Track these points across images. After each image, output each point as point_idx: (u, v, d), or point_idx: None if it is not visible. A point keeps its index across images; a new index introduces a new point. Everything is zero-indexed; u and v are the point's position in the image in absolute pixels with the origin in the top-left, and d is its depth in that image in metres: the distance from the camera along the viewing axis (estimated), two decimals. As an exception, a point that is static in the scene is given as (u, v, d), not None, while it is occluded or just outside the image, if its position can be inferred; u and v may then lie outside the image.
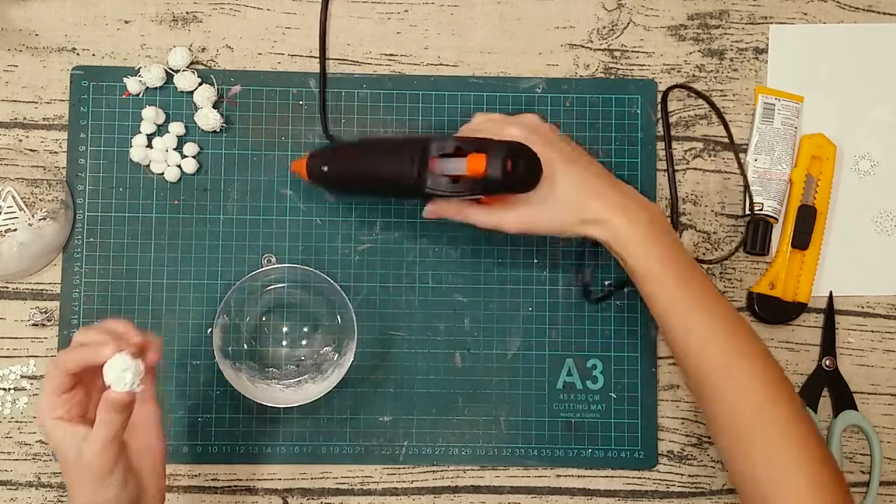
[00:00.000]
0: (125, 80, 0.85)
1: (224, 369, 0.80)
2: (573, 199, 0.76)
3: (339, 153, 0.81)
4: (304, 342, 0.84)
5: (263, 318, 0.84)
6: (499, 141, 0.74)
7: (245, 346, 0.84)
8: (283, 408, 0.84)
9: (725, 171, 0.88)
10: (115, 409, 0.66)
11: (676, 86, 0.88)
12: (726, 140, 0.89)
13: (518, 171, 0.74)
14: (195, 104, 0.86)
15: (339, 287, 0.81)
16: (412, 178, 0.75)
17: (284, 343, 0.84)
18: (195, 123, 0.85)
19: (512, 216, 0.77)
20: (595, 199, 0.76)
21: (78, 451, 0.67)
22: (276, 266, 0.84)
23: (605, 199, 0.76)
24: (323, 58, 0.87)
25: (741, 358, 0.73)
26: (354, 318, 0.80)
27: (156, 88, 0.86)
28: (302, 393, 0.81)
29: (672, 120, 0.89)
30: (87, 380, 0.69)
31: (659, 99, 0.88)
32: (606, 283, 0.87)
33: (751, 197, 0.86)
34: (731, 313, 0.75)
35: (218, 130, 0.85)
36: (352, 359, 0.80)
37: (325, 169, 0.80)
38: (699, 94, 0.88)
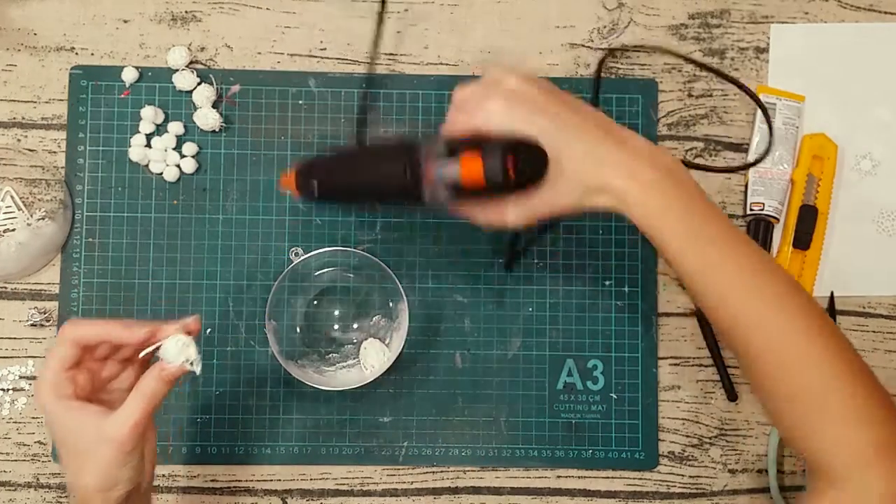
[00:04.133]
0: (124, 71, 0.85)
1: (290, 370, 0.80)
2: (572, 173, 0.66)
3: (326, 166, 0.74)
4: (355, 322, 0.84)
5: (315, 303, 0.84)
6: (498, 140, 0.66)
7: (301, 343, 0.83)
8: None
9: (725, 172, 0.88)
10: (166, 382, 0.66)
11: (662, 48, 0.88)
12: (727, 140, 0.89)
13: (520, 169, 0.66)
14: (194, 104, 0.85)
15: (368, 254, 0.81)
16: (408, 190, 0.68)
17: (336, 327, 0.84)
18: (194, 123, 0.85)
19: (511, 212, 0.69)
20: (596, 165, 0.66)
21: (97, 429, 0.65)
22: (305, 256, 0.82)
23: (607, 162, 0.66)
24: (373, 63, 0.87)
25: (787, 312, 0.66)
26: (396, 277, 0.80)
27: (154, 87, 0.85)
28: (370, 368, 0.82)
29: (672, 120, 0.88)
30: (88, 359, 0.68)
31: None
32: (607, 283, 0.86)
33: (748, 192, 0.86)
34: (769, 263, 0.68)
35: (217, 130, 0.85)
36: (407, 320, 0.80)
37: (315, 186, 0.73)
38: (688, 60, 0.88)
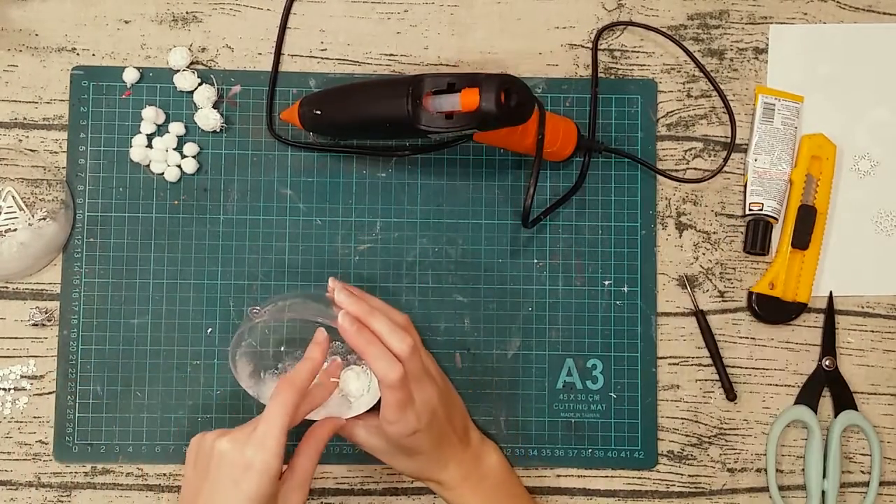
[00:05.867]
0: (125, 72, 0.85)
1: (260, 395, 0.79)
2: (432, 453, 0.76)
3: (330, 96, 0.81)
4: (333, 355, 0.81)
5: (282, 348, 0.83)
6: (490, 74, 0.74)
7: (274, 370, 0.82)
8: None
9: (725, 171, 0.88)
10: (326, 439, 0.75)
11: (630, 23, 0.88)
12: (726, 140, 0.89)
13: (511, 104, 0.74)
14: (195, 104, 0.86)
15: (326, 307, 0.77)
16: (406, 116, 0.75)
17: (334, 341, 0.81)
18: (195, 123, 0.86)
19: (361, 437, 0.77)
20: (447, 454, 0.77)
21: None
22: (265, 309, 0.79)
23: (437, 455, 0.77)
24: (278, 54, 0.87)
25: None
26: None
27: (156, 87, 0.86)
28: (354, 400, 0.79)
29: (672, 120, 0.89)
30: None
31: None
32: (606, 283, 0.87)
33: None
34: None
35: (218, 130, 0.85)
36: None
37: (318, 113, 0.80)
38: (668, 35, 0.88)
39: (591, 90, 0.88)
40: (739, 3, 0.90)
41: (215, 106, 0.86)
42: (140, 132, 0.85)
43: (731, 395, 0.86)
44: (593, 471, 0.86)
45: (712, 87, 0.89)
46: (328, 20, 0.88)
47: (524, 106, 0.76)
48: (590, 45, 0.89)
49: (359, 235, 0.86)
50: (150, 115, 0.85)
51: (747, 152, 0.88)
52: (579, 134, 0.85)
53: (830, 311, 0.88)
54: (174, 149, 0.85)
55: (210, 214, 0.86)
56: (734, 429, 0.87)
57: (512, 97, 0.74)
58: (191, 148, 0.85)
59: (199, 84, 0.86)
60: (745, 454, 0.87)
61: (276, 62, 0.87)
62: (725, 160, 0.85)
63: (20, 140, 0.86)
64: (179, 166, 0.85)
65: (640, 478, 0.86)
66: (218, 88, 0.86)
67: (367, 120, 0.79)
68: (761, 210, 0.87)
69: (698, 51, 0.89)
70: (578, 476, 0.86)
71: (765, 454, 0.87)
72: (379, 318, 0.73)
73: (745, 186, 0.88)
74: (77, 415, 0.83)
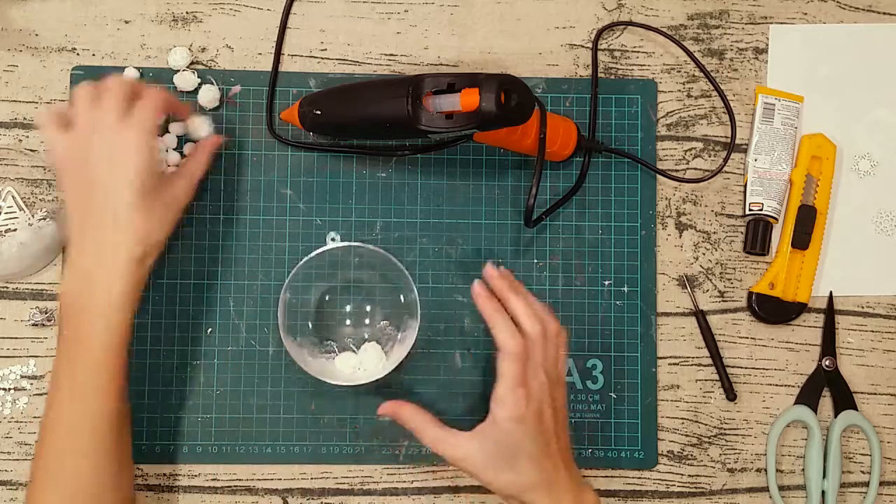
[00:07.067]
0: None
1: (287, 344, 0.80)
2: (534, 463, 0.73)
3: (330, 96, 0.81)
4: (366, 320, 0.84)
5: (327, 297, 0.85)
6: (490, 74, 0.74)
7: (309, 323, 0.84)
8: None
9: (725, 171, 0.88)
10: (213, 151, 0.82)
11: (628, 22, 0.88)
12: (726, 140, 0.89)
13: (511, 105, 0.74)
14: (200, 105, 0.86)
15: (402, 266, 0.81)
16: (406, 116, 0.75)
17: (348, 322, 0.84)
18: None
19: (452, 445, 0.74)
20: (549, 473, 0.73)
21: (159, 179, 0.76)
22: (338, 245, 0.84)
23: (539, 467, 0.73)
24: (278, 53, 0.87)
25: None
26: (417, 298, 0.80)
27: (156, 87, 0.86)
28: (364, 371, 0.82)
29: (672, 120, 0.89)
30: None
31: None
32: (606, 283, 0.87)
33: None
34: None
35: (217, 106, 0.86)
36: (413, 339, 0.80)
37: (318, 113, 0.80)
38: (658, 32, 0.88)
39: (591, 90, 0.88)
40: (739, 3, 0.90)
41: (216, 107, 0.86)
42: (140, 132, 0.85)
43: (731, 395, 0.86)
44: (593, 471, 0.86)
45: (712, 87, 0.89)
46: (328, 20, 0.88)
47: (524, 106, 0.76)
48: (590, 45, 0.89)
49: (359, 235, 0.86)
50: (150, 115, 0.85)
51: (747, 152, 0.88)
52: (579, 134, 0.85)
53: (830, 311, 0.88)
54: (174, 149, 0.85)
55: (210, 214, 0.86)
56: (734, 429, 0.87)
57: (512, 97, 0.74)
58: (191, 148, 0.85)
59: (200, 84, 0.86)
60: (745, 454, 0.87)
61: (276, 62, 0.87)
62: (725, 160, 0.85)
63: (20, 140, 0.86)
64: (179, 166, 0.85)
65: (640, 478, 0.86)
66: (218, 88, 0.86)
67: (367, 120, 0.79)
68: (761, 210, 0.87)
69: (698, 51, 0.89)
70: (578, 476, 0.86)
71: (765, 454, 0.87)
72: (518, 300, 0.76)
73: (745, 186, 0.88)
74: (77, 415, 0.83)
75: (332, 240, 0.85)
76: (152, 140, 0.75)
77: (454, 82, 0.75)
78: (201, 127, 0.83)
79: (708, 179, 0.86)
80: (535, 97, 0.77)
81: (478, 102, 0.73)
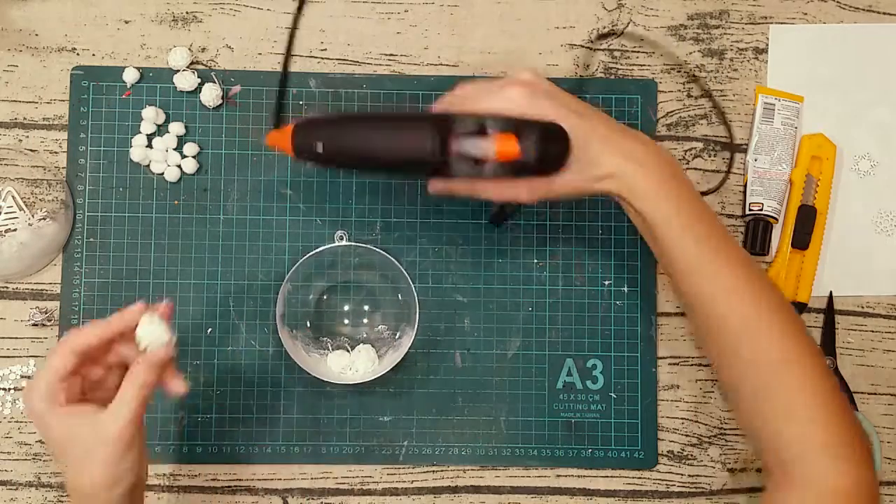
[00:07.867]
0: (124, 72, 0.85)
1: (282, 336, 0.81)
2: (586, 156, 0.71)
3: (335, 128, 0.73)
4: (364, 320, 0.85)
5: (325, 297, 0.85)
6: (530, 121, 0.69)
7: (308, 321, 0.84)
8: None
9: (724, 171, 0.88)
10: (154, 369, 0.67)
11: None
12: (726, 140, 0.89)
13: (551, 153, 0.69)
14: (202, 104, 0.86)
15: (404, 270, 0.81)
16: (432, 160, 0.69)
17: (346, 322, 0.85)
18: (195, 123, 0.85)
19: (525, 187, 0.72)
20: (608, 152, 0.71)
21: (94, 428, 0.66)
22: (344, 244, 0.84)
23: (618, 151, 0.71)
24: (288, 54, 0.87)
25: (765, 313, 0.70)
26: (417, 304, 0.81)
27: (156, 87, 0.86)
28: (356, 371, 0.82)
29: (672, 120, 0.89)
30: (83, 364, 0.69)
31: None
32: (606, 283, 0.87)
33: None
34: (752, 266, 0.72)
35: (218, 105, 0.85)
36: (409, 344, 0.81)
37: (320, 148, 0.72)
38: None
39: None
40: (739, 3, 0.90)
41: (217, 107, 0.86)
42: (140, 132, 0.85)
43: (731, 395, 0.86)
44: (593, 471, 0.86)
45: (711, 88, 0.89)
46: (328, 20, 0.88)
47: (563, 155, 0.70)
48: (590, 45, 0.89)
49: (359, 235, 0.86)
50: (150, 115, 0.85)
51: (747, 152, 0.88)
52: None
53: (830, 311, 0.88)
54: (174, 149, 0.85)
55: (210, 214, 0.86)
56: (734, 429, 0.87)
57: (551, 147, 0.69)
58: (191, 148, 0.85)
59: (200, 84, 0.86)
60: (745, 454, 0.87)
61: (286, 63, 0.87)
62: (728, 168, 0.85)
63: (20, 140, 0.86)
64: (179, 166, 0.85)
65: (640, 478, 0.86)
66: (220, 88, 0.86)
67: (381, 161, 0.72)
68: (761, 210, 0.87)
69: (698, 51, 0.89)
70: (578, 476, 0.86)
71: (765, 454, 0.87)
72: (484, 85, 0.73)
73: (745, 186, 0.88)
74: (77, 415, 0.83)
75: (340, 238, 0.85)
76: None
77: (487, 125, 0.69)
78: (155, 333, 0.68)
79: (711, 193, 0.87)
80: (568, 138, 0.70)
81: (518, 152, 0.68)
